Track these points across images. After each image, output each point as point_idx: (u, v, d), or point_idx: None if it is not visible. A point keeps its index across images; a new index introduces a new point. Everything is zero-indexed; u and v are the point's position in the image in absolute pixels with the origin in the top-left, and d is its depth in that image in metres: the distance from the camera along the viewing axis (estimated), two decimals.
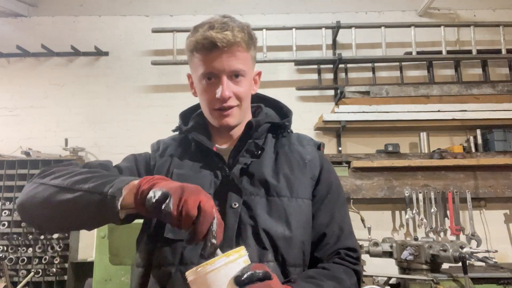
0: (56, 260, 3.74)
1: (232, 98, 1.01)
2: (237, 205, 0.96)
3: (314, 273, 0.95)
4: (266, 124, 1.09)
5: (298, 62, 4.16)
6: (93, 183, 0.84)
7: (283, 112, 1.17)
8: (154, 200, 0.74)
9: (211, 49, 0.96)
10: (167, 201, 0.73)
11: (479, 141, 3.77)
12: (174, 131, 1.18)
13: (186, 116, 1.18)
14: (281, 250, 0.95)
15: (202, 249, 0.73)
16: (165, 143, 1.15)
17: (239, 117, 1.06)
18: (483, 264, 2.54)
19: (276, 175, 1.02)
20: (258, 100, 1.19)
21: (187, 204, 0.73)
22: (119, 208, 0.80)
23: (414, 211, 3.61)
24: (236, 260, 0.70)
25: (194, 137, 1.07)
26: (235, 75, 1.00)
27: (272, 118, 1.12)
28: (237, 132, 1.09)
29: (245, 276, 0.69)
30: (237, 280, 0.68)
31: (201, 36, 0.96)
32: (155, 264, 0.95)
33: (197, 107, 1.17)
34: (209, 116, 1.06)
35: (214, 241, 0.73)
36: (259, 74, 1.13)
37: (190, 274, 0.71)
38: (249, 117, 1.12)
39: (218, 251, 0.74)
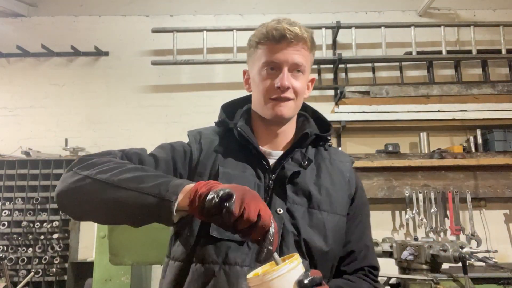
0: (56, 260, 3.74)
1: (290, 90, 1.02)
2: (282, 211, 0.97)
3: (343, 284, 1.01)
4: (312, 136, 1.10)
5: None
6: (147, 184, 0.84)
7: (324, 124, 1.16)
8: (217, 198, 0.74)
9: (279, 40, 0.99)
10: (231, 200, 0.73)
11: (479, 141, 3.77)
12: (217, 124, 1.14)
13: (229, 109, 1.16)
14: (316, 261, 0.98)
15: (257, 253, 0.75)
16: (207, 137, 1.10)
17: (293, 111, 1.06)
18: (483, 264, 2.54)
19: (318, 188, 1.03)
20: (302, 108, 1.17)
21: (249, 207, 0.73)
22: (175, 212, 0.81)
23: (414, 211, 3.61)
24: (296, 267, 0.74)
25: (243, 135, 1.04)
26: (296, 70, 1.02)
27: (316, 130, 1.12)
28: (282, 137, 1.09)
29: (306, 281, 0.72)
30: (301, 284, 0.72)
31: (272, 27, 0.99)
32: (197, 260, 0.95)
33: (240, 101, 1.18)
34: (262, 106, 1.05)
35: (270, 247, 0.74)
36: (312, 80, 1.14)
37: (253, 281, 0.73)
38: (294, 119, 1.13)
39: (275, 255, 0.76)
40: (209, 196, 0.75)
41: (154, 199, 0.82)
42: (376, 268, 1.09)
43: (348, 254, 1.07)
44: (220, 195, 0.74)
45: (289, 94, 1.01)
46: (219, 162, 1.03)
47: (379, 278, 2.59)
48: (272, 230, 0.75)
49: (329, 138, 1.13)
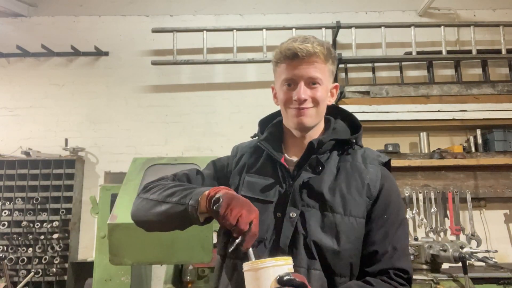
0: (56, 260, 3.74)
1: (308, 101, 1.11)
2: (295, 215, 1.07)
3: (355, 285, 1.02)
4: (331, 142, 1.16)
5: None
6: (178, 196, 1.07)
7: (355, 126, 1.23)
8: (212, 201, 0.96)
9: (292, 58, 1.10)
10: (218, 203, 0.94)
11: (479, 141, 3.77)
12: (252, 137, 1.31)
13: (264, 123, 1.29)
14: (329, 261, 1.04)
15: (229, 246, 0.94)
16: (242, 149, 1.28)
17: (315, 119, 1.14)
18: (483, 264, 2.54)
19: (332, 192, 1.09)
20: (332, 112, 1.26)
21: (231, 213, 0.93)
22: (198, 214, 1.01)
23: (414, 211, 3.61)
24: (282, 266, 0.87)
25: (266, 149, 1.19)
26: (312, 83, 1.11)
27: (339, 134, 1.18)
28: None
29: (285, 278, 0.84)
30: (280, 279, 0.84)
31: (285, 47, 1.11)
32: (228, 255, 1.11)
33: (275, 115, 1.29)
34: (286, 116, 1.17)
35: (240, 246, 0.92)
36: (336, 87, 1.22)
37: (245, 266, 0.90)
38: (321, 125, 1.21)
39: (250, 252, 0.93)
40: (213, 198, 0.97)
41: (182, 207, 1.04)
42: (405, 272, 1.05)
43: (371, 255, 1.07)
44: (214, 198, 0.96)
45: (307, 104, 1.11)
46: (247, 173, 1.20)
47: None
48: (246, 233, 0.92)
49: (353, 141, 1.17)
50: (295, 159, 1.17)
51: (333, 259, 1.03)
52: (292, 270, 0.88)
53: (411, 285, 1.07)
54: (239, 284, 1.03)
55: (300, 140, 1.18)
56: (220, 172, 1.25)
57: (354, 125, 1.24)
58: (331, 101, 1.21)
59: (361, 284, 1.02)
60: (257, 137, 1.27)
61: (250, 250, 0.93)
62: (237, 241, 0.92)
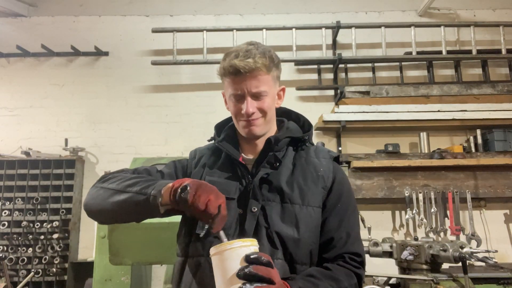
0: (56, 260, 3.74)
1: (256, 113, 1.17)
2: (256, 209, 1.12)
3: (315, 271, 1.08)
4: (286, 139, 1.24)
5: (298, 62, 4.16)
6: (140, 186, 1.07)
7: (306, 126, 1.32)
8: (179, 189, 0.96)
9: (236, 74, 1.13)
10: (186, 191, 0.95)
11: (479, 141, 3.77)
12: (209, 140, 1.35)
13: (220, 128, 1.35)
14: (290, 249, 1.10)
15: (200, 229, 0.96)
16: (200, 152, 1.32)
17: (264, 127, 1.21)
18: (483, 264, 2.54)
19: (290, 185, 1.17)
20: (282, 114, 1.33)
21: (199, 198, 0.94)
22: (159, 205, 1.00)
23: (414, 211, 3.61)
24: (248, 246, 0.91)
25: (224, 149, 1.23)
26: (258, 96, 1.16)
27: (293, 133, 1.26)
28: (262, 144, 1.23)
29: (252, 256, 0.88)
30: (247, 258, 0.88)
31: (227, 64, 1.15)
32: (190, 254, 1.14)
33: (229, 119, 1.34)
34: (238, 126, 1.23)
35: (211, 229, 0.95)
36: (283, 89, 1.28)
37: (212, 250, 0.92)
38: (274, 128, 1.28)
39: (221, 234, 0.96)
40: (178, 190, 0.97)
41: (143, 197, 1.03)
42: (358, 255, 1.14)
43: (328, 242, 1.15)
44: (180, 187, 0.96)
45: (255, 116, 1.17)
46: (207, 173, 1.24)
47: (379, 278, 2.59)
48: (216, 216, 0.95)
49: (305, 138, 1.26)
50: (252, 157, 1.24)
51: (294, 247, 1.10)
52: (258, 251, 0.93)
53: (365, 267, 1.16)
54: (203, 280, 1.08)
55: (253, 142, 1.25)
56: (180, 171, 1.28)
57: (305, 124, 1.32)
58: (279, 103, 1.28)
59: (320, 269, 1.09)
60: (213, 141, 1.32)
61: (221, 232, 0.96)
62: (208, 225, 0.95)
